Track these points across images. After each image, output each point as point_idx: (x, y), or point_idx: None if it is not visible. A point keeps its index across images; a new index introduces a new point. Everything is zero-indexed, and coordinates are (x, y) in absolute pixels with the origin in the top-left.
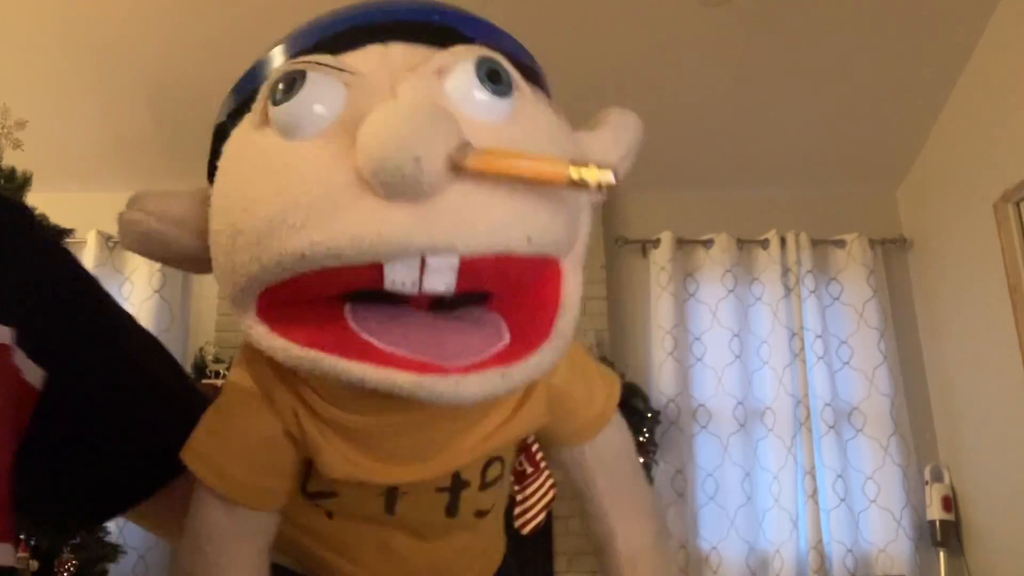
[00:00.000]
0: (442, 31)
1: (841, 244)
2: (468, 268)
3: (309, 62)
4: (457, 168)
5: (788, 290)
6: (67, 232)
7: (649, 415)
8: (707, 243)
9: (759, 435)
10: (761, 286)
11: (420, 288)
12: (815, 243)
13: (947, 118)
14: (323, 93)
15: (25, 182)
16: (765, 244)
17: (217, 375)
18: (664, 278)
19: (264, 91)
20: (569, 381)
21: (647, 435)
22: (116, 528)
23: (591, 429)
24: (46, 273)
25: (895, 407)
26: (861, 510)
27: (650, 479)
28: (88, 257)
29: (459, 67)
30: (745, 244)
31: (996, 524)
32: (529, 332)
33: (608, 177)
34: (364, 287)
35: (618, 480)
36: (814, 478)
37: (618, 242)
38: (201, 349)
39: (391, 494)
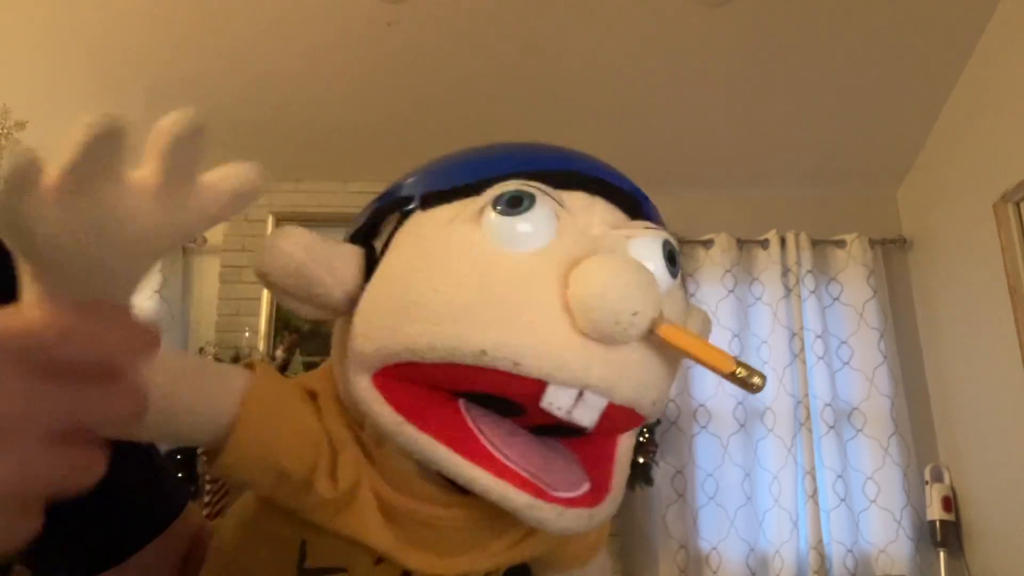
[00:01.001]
0: (632, 202)
1: (841, 244)
2: (608, 414)
3: (539, 188)
4: (651, 331)
5: (788, 290)
6: None
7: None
8: (707, 243)
9: (759, 435)
10: (761, 286)
11: (570, 415)
12: (815, 243)
13: (947, 118)
14: (544, 219)
15: None
16: (765, 244)
17: None
18: None
19: (489, 195)
20: None
21: (647, 435)
22: None
23: (587, 555)
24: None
25: (895, 407)
26: (861, 510)
27: (650, 479)
28: None
29: (649, 240)
30: (745, 244)
31: (996, 524)
32: (596, 479)
33: (761, 381)
34: (515, 395)
35: None
36: (814, 478)
37: None
38: (201, 349)
39: None
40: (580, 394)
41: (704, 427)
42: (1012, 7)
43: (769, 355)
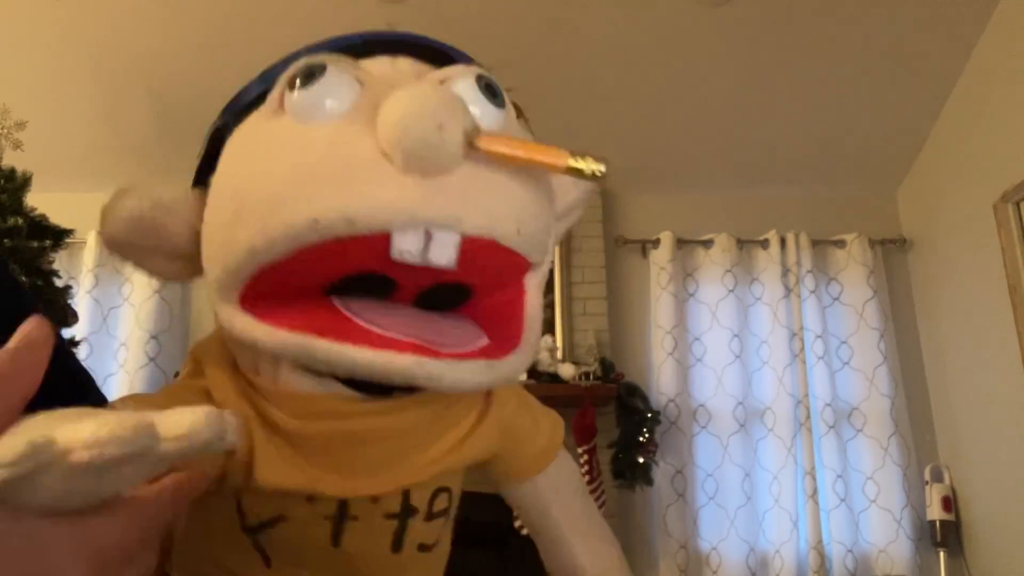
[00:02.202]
0: (440, 55)
1: (841, 244)
2: (465, 249)
3: (329, 57)
4: (470, 146)
5: (788, 290)
6: (67, 232)
7: (649, 415)
8: (707, 243)
9: (759, 435)
10: (761, 286)
11: (426, 258)
12: (815, 243)
13: (947, 118)
14: (341, 85)
15: (25, 182)
16: (765, 244)
17: None
18: (664, 278)
19: (282, 80)
20: (517, 414)
21: (647, 435)
22: None
23: (543, 459)
24: None
25: (895, 407)
26: (861, 510)
27: (650, 479)
28: (88, 257)
29: (461, 79)
30: (745, 244)
31: (996, 524)
32: (501, 337)
33: (601, 167)
34: (366, 260)
35: (575, 508)
36: (814, 478)
37: (618, 242)
38: None
39: (339, 519)
40: (428, 236)
41: (704, 427)
42: (1012, 7)
43: (769, 355)
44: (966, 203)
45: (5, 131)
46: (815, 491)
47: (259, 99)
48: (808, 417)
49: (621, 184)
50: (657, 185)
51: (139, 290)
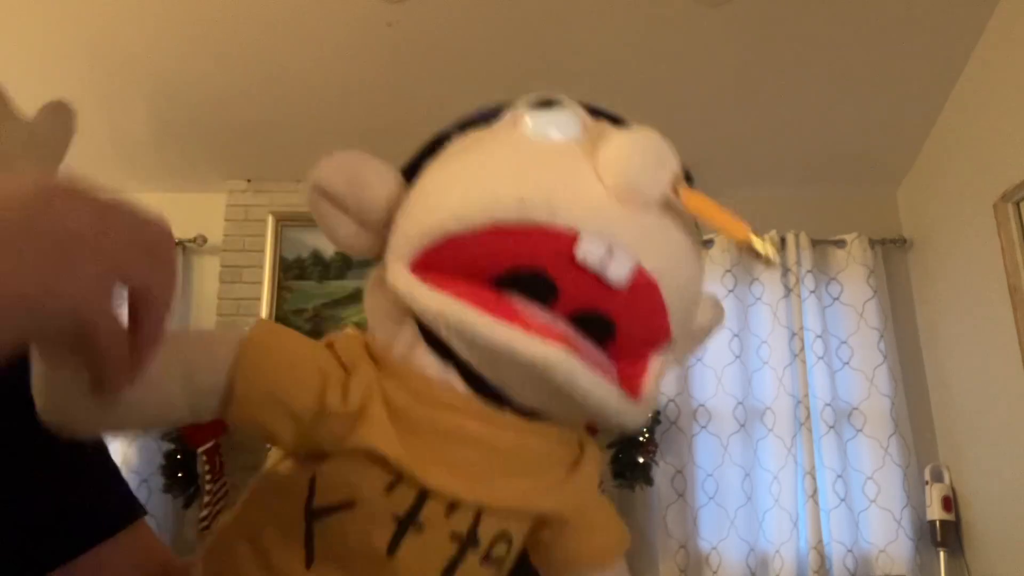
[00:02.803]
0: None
1: (841, 244)
2: (635, 280)
3: (563, 95)
4: (673, 192)
5: (788, 290)
6: None
7: (649, 415)
8: (707, 243)
9: (759, 435)
10: (761, 286)
11: (604, 267)
12: (815, 243)
13: (947, 118)
14: (570, 119)
15: None
16: None
17: None
18: None
19: (521, 101)
20: (595, 495)
21: (647, 435)
22: None
23: (606, 554)
24: None
25: (895, 407)
26: (861, 510)
27: (650, 479)
28: None
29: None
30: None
31: (996, 524)
32: (627, 381)
33: (774, 254)
34: (548, 255)
35: None
36: (814, 478)
37: None
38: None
39: (407, 521)
40: (610, 252)
41: (704, 427)
42: (1012, 7)
43: (769, 355)
44: (966, 203)
45: None
46: (815, 491)
47: (483, 121)
48: (808, 417)
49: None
50: None
51: None
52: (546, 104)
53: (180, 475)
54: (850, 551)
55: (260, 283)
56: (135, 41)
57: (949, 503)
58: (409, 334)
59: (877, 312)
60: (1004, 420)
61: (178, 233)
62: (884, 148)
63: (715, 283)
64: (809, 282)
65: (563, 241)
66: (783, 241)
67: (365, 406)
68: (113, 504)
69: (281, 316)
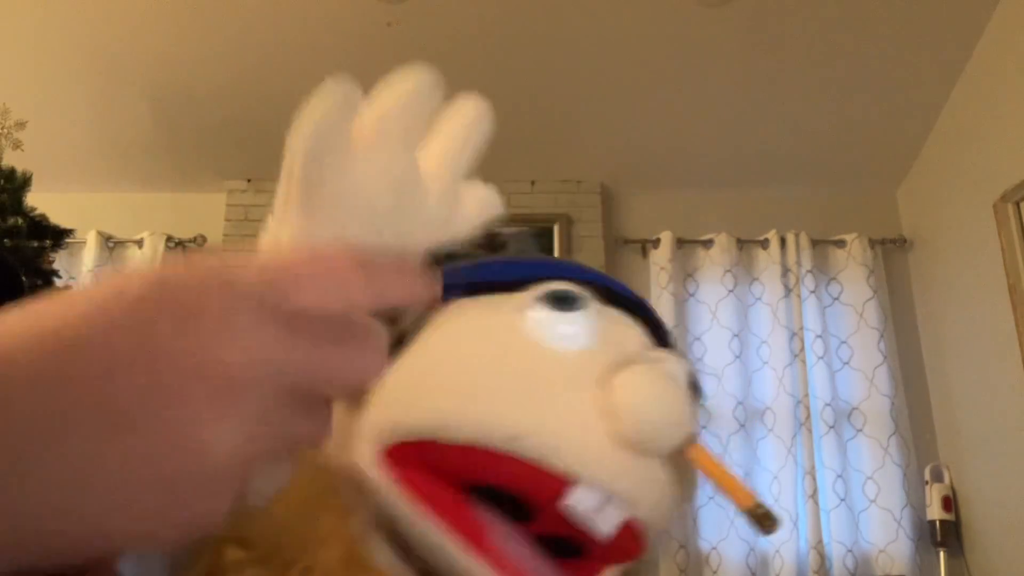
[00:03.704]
0: (662, 334)
1: (841, 244)
2: (622, 528)
3: (586, 295)
4: (683, 450)
5: (788, 290)
6: (67, 232)
7: None
8: (707, 243)
9: (759, 435)
10: (761, 286)
11: (590, 519)
12: (815, 243)
13: (947, 118)
14: (588, 326)
15: (25, 182)
16: (765, 244)
17: None
18: (664, 278)
19: (539, 290)
20: None
21: None
22: None
23: None
24: None
25: (895, 407)
26: (861, 510)
27: None
28: (88, 257)
29: (678, 367)
30: (745, 244)
31: (996, 524)
32: None
33: (774, 528)
34: (534, 490)
35: None
36: (814, 478)
37: (618, 242)
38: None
39: None
40: (602, 504)
41: (704, 427)
42: (1012, 8)
43: (769, 355)
44: (966, 203)
45: (5, 131)
46: (815, 491)
47: (492, 285)
48: (808, 417)
49: (621, 184)
50: (657, 185)
51: None
52: (563, 301)
53: None
54: (850, 551)
55: None
56: (135, 41)
57: (949, 503)
58: (358, 524)
59: (877, 312)
60: (1004, 420)
61: (178, 233)
62: (884, 148)
63: (715, 283)
64: (809, 282)
65: (554, 484)
66: (783, 241)
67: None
68: None
69: None
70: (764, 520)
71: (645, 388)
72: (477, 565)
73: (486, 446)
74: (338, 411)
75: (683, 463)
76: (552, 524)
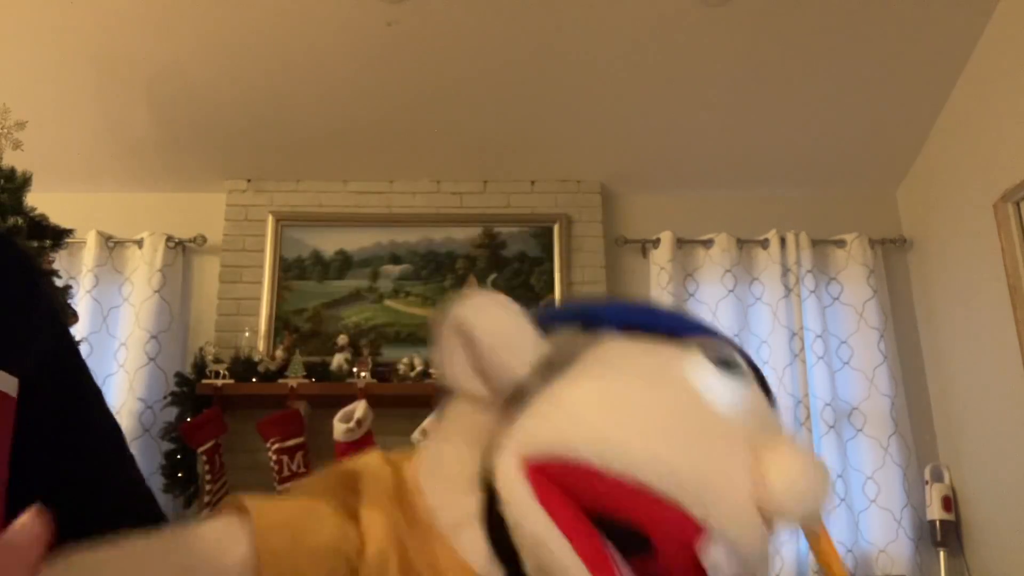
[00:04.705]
0: (771, 397)
1: (841, 244)
2: None
3: (744, 364)
4: (811, 531)
5: (788, 290)
6: (67, 232)
7: None
8: (707, 243)
9: None
10: (761, 286)
11: (718, 571)
12: (815, 243)
13: (947, 118)
14: (740, 392)
15: (25, 182)
16: (765, 244)
17: (217, 375)
18: (664, 278)
19: (705, 349)
20: None
21: None
22: None
23: None
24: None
25: (895, 407)
26: (861, 510)
27: None
28: (88, 257)
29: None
30: (745, 244)
31: (996, 524)
32: None
33: None
34: (672, 533)
35: None
36: None
37: (618, 242)
38: (201, 349)
39: None
40: (730, 560)
41: None
42: (1012, 7)
43: (769, 355)
44: (966, 203)
45: (5, 131)
46: None
47: (649, 330)
48: (808, 417)
49: (621, 184)
50: (657, 185)
51: (139, 290)
52: (727, 365)
53: (180, 475)
54: (850, 551)
55: (260, 283)
56: (135, 41)
57: (949, 503)
58: (470, 507)
59: (877, 312)
60: (1004, 420)
61: (178, 233)
62: (884, 148)
63: (715, 283)
64: (809, 282)
65: (690, 529)
66: (783, 241)
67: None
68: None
69: (281, 316)
70: None
71: (801, 470)
72: None
73: (640, 480)
74: (488, 415)
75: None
76: (664, 570)
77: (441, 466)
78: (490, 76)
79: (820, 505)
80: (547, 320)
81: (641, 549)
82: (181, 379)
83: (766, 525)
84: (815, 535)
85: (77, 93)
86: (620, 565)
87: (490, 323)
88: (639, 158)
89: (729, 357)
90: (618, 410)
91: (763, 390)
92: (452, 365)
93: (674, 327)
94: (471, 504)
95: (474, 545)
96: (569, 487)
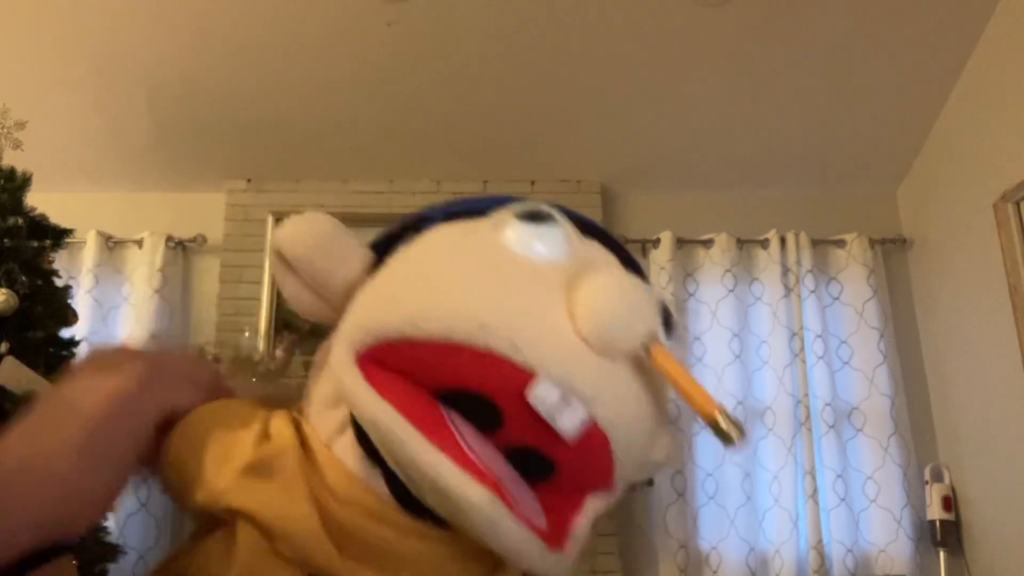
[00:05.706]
0: (636, 270)
1: (841, 244)
2: (585, 432)
3: (557, 212)
4: (644, 349)
5: (788, 290)
6: (67, 232)
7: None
8: (707, 243)
9: (759, 435)
10: (761, 286)
11: (554, 416)
12: (815, 243)
13: (947, 118)
14: (557, 239)
15: (25, 182)
16: (765, 244)
17: None
18: (664, 278)
19: (512, 209)
20: None
21: None
22: (116, 528)
23: None
24: None
25: (895, 407)
26: (861, 510)
27: (650, 479)
28: (88, 257)
29: (644, 286)
30: (745, 244)
31: (996, 524)
32: (555, 526)
33: (739, 436)
34: (500, 387)
35: None
36: (814, 478)
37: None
38: (201, 349)
39: None
40: (563, 400)
41: (704, 426)
42: (1012, 7)
43: (769, 355)
44: (966, 203)
45: (5, 131)
46: (815, 491)
47: (469, 214)
48: (808, 417)
49: (621, 184)
50: (657, 185)
51: (139, 290)
52: (536, 217)
53: None
54: (850, 551)
55: (260, 283)
56: (135, 41)
57: (949, 503)
58: (340, 419)
59: (877, 312)
60: (1004, 420)
61: (178, 233)
62: (884, 148)
63: (715, 283)
64: (809, 282)
65: (518, 378)
66: (783, 241)
67: (288, 478)
68: None
69: (281, 316)
70: (727, 432)
71: (607, 287)
72: (438, 459)
73: (453, 339)
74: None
75: (657, 380)
76: (519, 432)
77: (316, 388)
78: (490, 76)
79: (635, 323)
80: (400, 233)
81: (496, 422)
82: None
83: (597, 355)
84: (660, 361)
85: (77, 93)
86: (468, 435)
87: (302, 238)
88: (639, 158)
89: (538, 210)
90: (424, 278)
91: (610, 248)
92: (285, 288)
93: (490, 205)
94: (341, 414)
95: (347, 451)
96: (401, 367)
